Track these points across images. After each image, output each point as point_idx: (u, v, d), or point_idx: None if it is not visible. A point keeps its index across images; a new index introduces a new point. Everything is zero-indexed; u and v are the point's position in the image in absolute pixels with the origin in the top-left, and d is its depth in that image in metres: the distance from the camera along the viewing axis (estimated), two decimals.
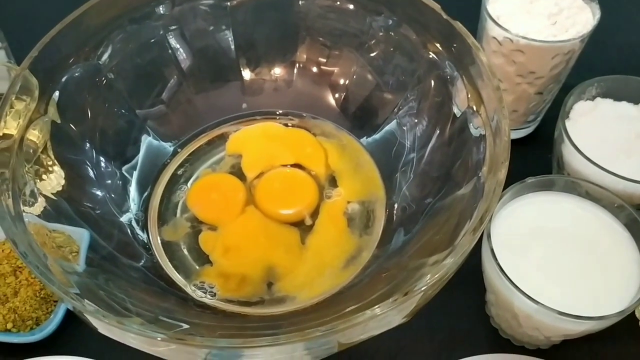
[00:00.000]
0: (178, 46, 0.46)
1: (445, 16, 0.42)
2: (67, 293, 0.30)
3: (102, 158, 0.43)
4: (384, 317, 0.31)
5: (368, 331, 0.33)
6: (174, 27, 0.46)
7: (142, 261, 0.41)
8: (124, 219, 0.43)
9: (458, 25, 0.41)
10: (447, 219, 0.38)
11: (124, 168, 0.45)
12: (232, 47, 0.50)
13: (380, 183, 0.47)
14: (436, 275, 0.32)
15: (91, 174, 0.42)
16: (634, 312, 0.44)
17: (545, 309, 0.34)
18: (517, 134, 0.54)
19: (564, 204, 0.40)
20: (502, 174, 0.35)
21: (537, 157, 0.52)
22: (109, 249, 0.39)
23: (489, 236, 0.37)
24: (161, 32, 0.45)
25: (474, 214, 0.34)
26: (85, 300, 0.31)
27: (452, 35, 0.42)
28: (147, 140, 0.46)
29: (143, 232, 0.44)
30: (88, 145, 0.43)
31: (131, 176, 0.45)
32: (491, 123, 0.38)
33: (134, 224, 0.43)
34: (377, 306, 0.30)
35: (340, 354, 0.41)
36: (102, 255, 0.39)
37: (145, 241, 0.43)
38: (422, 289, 0.32)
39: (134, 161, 0.45)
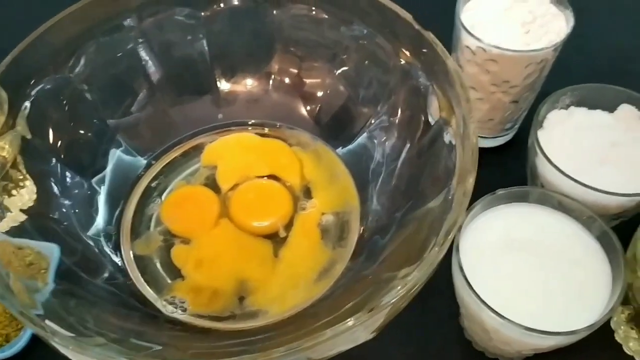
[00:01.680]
0: (148, 58, 0.46)
1: (416, 26, 0.42)
2: (23, 314, 0.30)
3: (70, 172, 0.43)
4: (352, 332, 0.31)
5: (337, 346, 0.33)
6: (142, 40, 0.45)
7: (112, 277, 0.41)
8: (92, 233, 0.43)
9: (429, 35, 0.41)
10: (417, 232, 0.38)
11: (93, 181, 0.44)
12: (207, 57, 0.49)
13: (355, 194, 0.47)
14: (402, 290, 0.32)
15: (60, 188, 0.42)
16: (609, 323, 0.44)
17: (512, 324, 0.34)
18: (494, 142, 0.54)
19: (536, 216, 0.40)
20: (469, 185, 0.34)
21: (515, 166, 0.52)
22: (78, 265, 0.39)
23: (457, 249, 0.37)
24: (131, 45, 0.45)
25: (442, 227, 0.34)
26: (47, 321, 0.31)
27: (423, 45, 0.42)
28: (117, 153, 0.46)
29: (114, 247, 0.43)
30: (57, 158, 0.43)
31: (101, 190, 0.45)
32: (461, 133, 0.38)
33: (103, 239, 0.43)
34: (342, 323, 0.30)
35: None
36: (72, 271, 0.39)
37: (116, 256, 0.43)
38: (390, 303, 0.31)
39: (102, 174, 0.45)
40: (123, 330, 0.37)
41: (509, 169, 0.52)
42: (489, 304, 0.35)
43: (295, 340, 0.30)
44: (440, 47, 0.40)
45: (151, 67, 0.46)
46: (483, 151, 0.54)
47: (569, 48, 0.60)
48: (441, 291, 0.40)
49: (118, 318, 0.38)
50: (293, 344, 0.29)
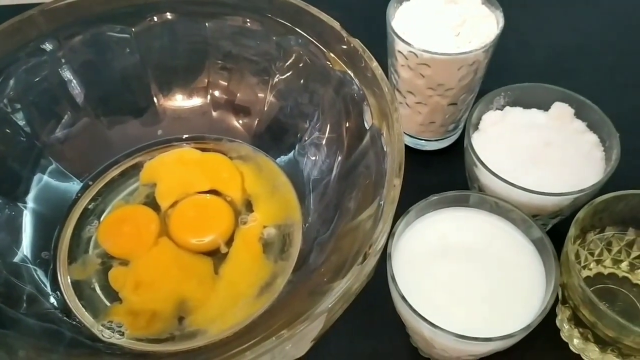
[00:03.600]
0: (73, 78, 0.45)
1: (344, 34, 0.42)
2: None
3: None
4: (281, 349, 0.30)
5: None
6: (65, 61, 0.44)
7: (42, 305, 0.40)
8: (18, 259, 0.41)
9: (356, 42, 0.41)
10: (352, 241, 0.37)
11: (18, 204, 0.43)
12: (142, 74, 0.48)
13: (297, 205, 0.46)
14: (333, 301, 0.31)
15: None
16: (554, 322, 0.44)
17: (443, 332, 0.33)
18: (440, 145, 0.54)
19: (472, 220, 0.39)
20: (395, 190, 0.34)
21: (462, 167, 0.52)
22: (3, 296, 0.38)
23: (389, 257, 0.36)
24: (54, 67, 0.44)
25: (372, 235, 0.34)
26: None
27: (352, 53, 0.41)
28: (45, 176, 0.45)
29: (47, 273, 0.42)
30: None
31: (25, 214, 0.43)
32: (391, 140, 0.37)
33: (35, 265, 0.42)
34: (264, 344, 0.30)
35: None
36: None
37: (49, 282, 0.42)
38: (320, 313, 0.31)
39: (27, 197, 0.44)
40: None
41: (455, 171, 0.51)
42: (423, 312, 0.34)
43: None
44: (367, 53, 0.40)
45: (77, 87, 0.45)
46: (429, 155, 0.56)
47: (509, 47, 0.61)
48: (388, 298, 0.40)
49: (51, 347, 0.37)
50: None
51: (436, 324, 0.34)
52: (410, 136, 0.53)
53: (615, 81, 0.58)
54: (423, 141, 0.53)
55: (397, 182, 0.35)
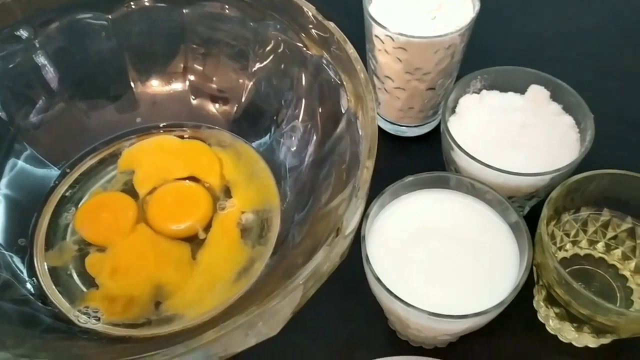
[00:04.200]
0: (48, 64, 0.45)
1: (320, 18, 0.42)
2: None
3: None
4: (252, 326, 0.30)
5: (242, 343, 0.32)
6: (41, 47, 0.44)
7: (18, 291, 0.40)
8: None
9: (330, 25, 0.41)
10: (326, 226, 0.37)
11: None
12: (119, 60, 0.48)
13: (275, 191, 0.46)
14: (301, 281, 0.31)
15: None
16: (532, 304, 0.44)
17: (417, 311, 0.33)
18: (420, 131, 0.54)
19: (447, 202, 0.39)
20: (366, 175, 0.34)
21: (440, 153, 0.52)
22: None
23: (363, 239, 0.36)
24: (28, 53, 0.44)
25: (344, 217, 0.34)
26: None
27: (328, 37, 0.41)
28: (20, 162, 0.44)
29: (23, 260, 0.42)
30: None
31: (4, 201, 0.43)
32: (365, 123, 0.37)
33: (10, 252, 0.42)
34: (234, 319, 0.29)
35: None
36: None
37: (26, 269, 0.42)
38: (288, 294, 0.31)
39: (4, 183, 0.43)
40: (32, 344, 0.36)
41: (435, 156, 0.51)
42: (398, 292, 0.34)
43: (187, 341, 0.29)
44: (342, 36, 0.40)
45: (51, 72, 0.45)
46: (410, 141, 0.56)
47: (490, 33, 0.61)
48: (366, 283, 0.40)
49: (26, 332, 0.37)
50: (184, 344, 0.29)
51: (410, 303, 0.34)
52: (391, 123, 0.53)
53: (593, 67, 0.59)
54: (404, 128, 0.53)
55: (369, 164, 0.35)
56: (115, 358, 0.35)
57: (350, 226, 0.33)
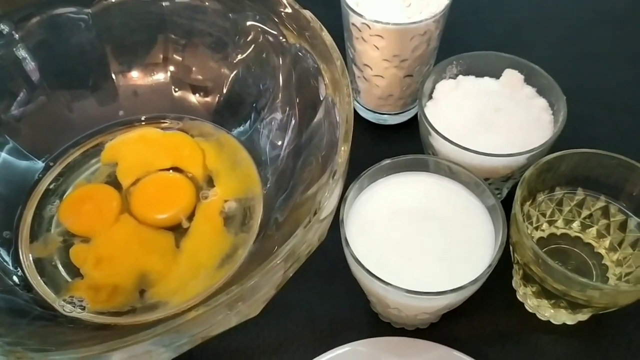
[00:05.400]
0: (27, 57, 0.45)
1: (296, 6, 0.42)
2: None
3: None
4: (232, 305, 0.31)
5: (223, 323, 0.33)
6: (21, 41, 0.45)
7: (4, 282, 0.40)
8: None
9: (307, 14, 0.41)
10: (307, 212, 0.38)
11: None
12: (101, 54, 0.49)
13: (257, 179, 0.47)
14: (278, 261, 0.32)
15: None
16: (511, 284, 0.45)
17: (394, 289, 0.34)
18: (401, 118, 0.54)
19: (423, 184, 0.40)
20: (342, 159, 0.35)
21: (421, 141, 0.53)
22: None
23: (342, 222, 0.37)
24: (10, 47, 0.44)
25: (321, 201, 0.34)
26: None
27: (305, 25, 0.42)
28: (2, 155, 0.45)
29: (9, 252, 0.43)
30: None
31: None
32: (342, 109, 0.38)
33: None
34: (215, 298, 0.30)
35: (223, 350, 0.41)
36: None
37: (10, 259, 0.42)
38: (266, 274, 0.31)
39: None
40: (20, 333, 0.36)
41: (415, 144, 0.52)
42: (377, 272, 0.35)
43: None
44: (318, 24, 0.41)
45: (31, 65, 0.45)
46: (391, 129, 0.57)
47: (466, 21, 0.62)
48: (346, 267, 0.41)
49: (13, 321, 0.38)
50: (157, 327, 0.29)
51: (388, 281, 0.34)
52: (372, 111, 0.54)
53: (568, 52, 0.60)
54: (385, 116, 0.54)
55: (346, 148, 0.35)
56: (101, 343, 0.36)
57: (327, 208, 0.34)
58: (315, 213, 0.33)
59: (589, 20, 0.63)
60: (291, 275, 0.34)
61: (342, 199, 0.37)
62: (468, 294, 0.36)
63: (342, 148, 0.35)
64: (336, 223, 0.37)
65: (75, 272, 0.43)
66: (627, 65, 0.59)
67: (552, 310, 0.41)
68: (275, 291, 0.34)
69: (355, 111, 0.55)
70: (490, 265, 0.35)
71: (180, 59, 0.50)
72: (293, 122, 0.44)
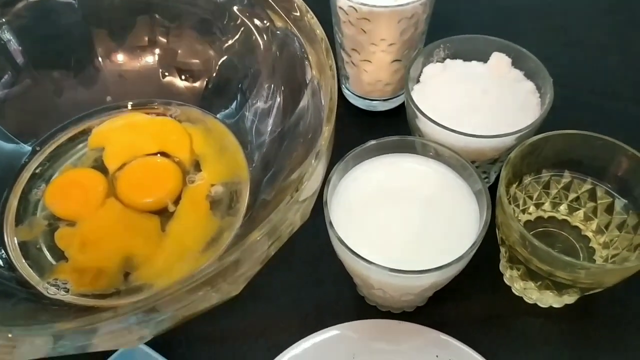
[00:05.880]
0: (12, 39, 0.45)
1: None
2: None
3: None
4: (213, 282, 0.31)
5: (203, 300, 0.32)
6: (7, 23, 0.44)
7: None
8: None
9: None
10: (292, 194, 0.38)
11: None
12: (87, 37, 0.49)
13: (244, 164, 0.47)
14: (258, 237, 0.31)
15: None
16: (499, 268, 0.44)
17: (377, 268, 0.34)
18: (391, 104, 0.54)
19: (409, 165, 0.40)
20: (323, 140, 0.35)
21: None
22: None
23: (325, 204, 0.37)
24: None
25: (303, 182, 0.34)
26: None
27: (290, 7, 0.42)
28: None
29: None
30: None
31: None
32: (326, 90, 0.38)
33: None
34: (194, 274, 0.30)
35: (208, 334, 0.41)
36: None
37: None
38: (245, 251, 0.31)
39: None
40: (4, 315, 0.36)
41: (407, 131, 0.52)
42: (362, 252, 0.35)
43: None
44: (304, 6, 0.41)
45: (16, 47, 0.45)
46: (382, 115, 0.56)
47: (456, 8, 0.62)
48: (332, 250, 0.41)
49: None
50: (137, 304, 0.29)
51: (371, 260, 0.34)
52: (362, 98, 0.54)
53: (558, 40, 0.60)
54: (375, 102, 0.54)
55: (328, 127, 0.35)
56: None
57: (308, 187, 0.34)
58: (297, 190, 0.33)
59: (578, 8, 0.63)
60: (273, 253, 0.34)
61: (325, 180, 0.37)
62: (452, 273, 0.36)
63: (326, 127, 0.35)
64: (321, 206, 0.37)
65: (59, 255, 0.42)
66: (615, 52, 0.59)
67: (538, 293, 0.41)
68: (257, 268, 0.34)
69: (345, 98, 0.55)
70: (474, 244, 0.35)
71: (166, 41, 0.50)
72: (280, 105, 0.44)
